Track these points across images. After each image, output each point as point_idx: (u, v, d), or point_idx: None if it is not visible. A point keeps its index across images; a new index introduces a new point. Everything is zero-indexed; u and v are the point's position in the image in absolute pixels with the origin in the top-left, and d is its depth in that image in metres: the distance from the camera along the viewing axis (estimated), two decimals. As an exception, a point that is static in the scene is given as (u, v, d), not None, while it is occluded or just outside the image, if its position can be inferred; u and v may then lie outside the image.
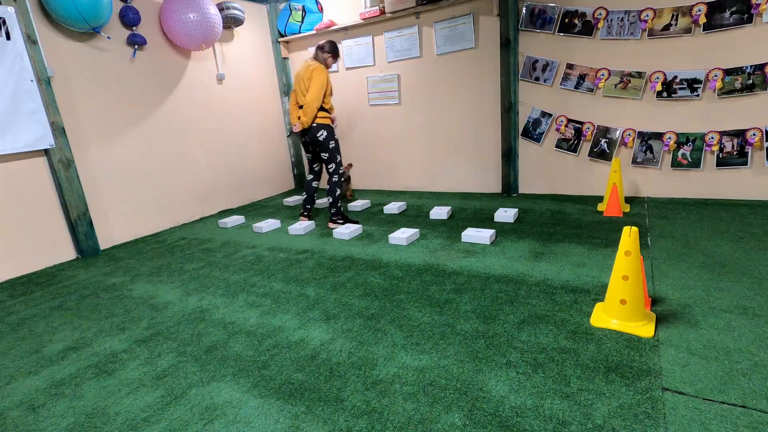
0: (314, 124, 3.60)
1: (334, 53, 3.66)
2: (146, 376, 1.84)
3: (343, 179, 4.55)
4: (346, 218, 3.83)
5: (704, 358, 1.60)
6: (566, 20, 3.81)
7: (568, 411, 1.41)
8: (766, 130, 3.24)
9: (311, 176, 4.04)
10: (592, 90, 3.83)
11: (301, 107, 3.63)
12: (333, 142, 3.65)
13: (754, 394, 1.40)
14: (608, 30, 3.66)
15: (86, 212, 3.62)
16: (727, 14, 3.23)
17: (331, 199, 3.74)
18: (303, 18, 5.17)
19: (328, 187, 3.75)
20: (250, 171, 5.33)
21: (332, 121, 3.71)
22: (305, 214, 4.07)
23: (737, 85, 3.28)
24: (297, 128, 3.68)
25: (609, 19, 3.63)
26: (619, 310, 1.84)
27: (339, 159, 3.72)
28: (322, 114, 3.61)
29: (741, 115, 3.33)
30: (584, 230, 3.12)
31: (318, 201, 4.77)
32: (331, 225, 3.81)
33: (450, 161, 4.78)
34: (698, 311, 1.93)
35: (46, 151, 3.40)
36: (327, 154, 3.66)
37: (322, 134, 3.60)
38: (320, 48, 3.62)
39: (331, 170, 3.71)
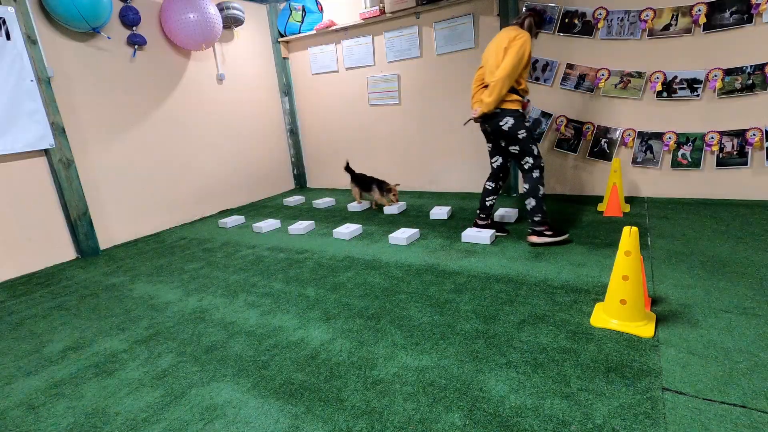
0: (498, 110, 2.83)
1: (538, 28, 2.92)
2: (146, 376, 1.84)
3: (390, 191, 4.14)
4: (556, 228, 2.96)
5: (704, 358, 1.60)
6: (566, 20, 3.81)
7: (568, 411, 1.41)
8: (766, 130, 3.24)
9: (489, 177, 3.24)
10: (592, 90, 3.83)
11: (486, 87, 2.86)
12: (523, 131, 2.84)
13: (754, 394, 1.40)
14: (608, 30, 3.65)
15: (86, 212, 3.62)
16: (727, 14, 3.23)
17: (533, 203, 2.87)
18: (303, 18, 5.17)
19: (527, 186, 2.90)
20: (250, 171, 5.33)
21: (523, 107, 2.91)
22: (482, 217, 3.27)
23: (737, 85, 3.28)
24: (476, 113, 2.94)
25: (609, 19, 3.63)
26: (619, 310, 1.84)
27: (536, 151, 2.86)
28: (512, 97, 2.81)
29: (741, 115, 3.33)
30: (584, 230, 3.12)
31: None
32: (533, 239, 2.91)
33: (450, 161, 4.78)
34: (698, 311, 1.93)
35: (46, 151, 3.40)
36: (517, 147, 2.88)
37: (508, 123, 2.83)
38: (531, 15, 2.84)
39: (527, 166, 2.89)
